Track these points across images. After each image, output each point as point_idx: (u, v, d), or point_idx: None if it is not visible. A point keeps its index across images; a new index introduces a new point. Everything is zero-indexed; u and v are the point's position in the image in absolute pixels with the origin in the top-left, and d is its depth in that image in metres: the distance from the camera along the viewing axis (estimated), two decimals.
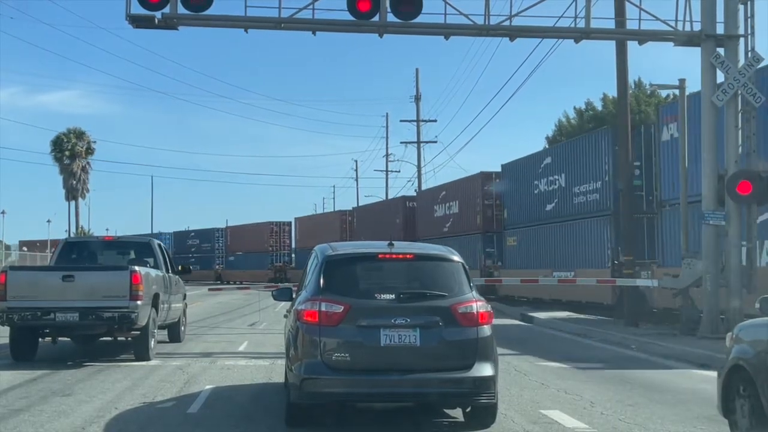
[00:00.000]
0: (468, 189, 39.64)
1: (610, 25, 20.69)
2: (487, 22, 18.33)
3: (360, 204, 69.43)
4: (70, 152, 62.38)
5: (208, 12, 17.46)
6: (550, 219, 30.92)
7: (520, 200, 34.17)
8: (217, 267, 76.09)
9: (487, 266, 36.78)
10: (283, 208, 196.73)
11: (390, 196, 66.19)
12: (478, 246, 37.34)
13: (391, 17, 17.57)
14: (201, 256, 78.80)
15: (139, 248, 18.61)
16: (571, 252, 28.66)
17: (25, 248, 74.98)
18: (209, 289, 41.27)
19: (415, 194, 51.62)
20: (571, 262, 28.47)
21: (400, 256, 9.50)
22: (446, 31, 18.54)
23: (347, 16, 17.62)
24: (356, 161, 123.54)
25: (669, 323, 21.14)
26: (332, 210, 74.85)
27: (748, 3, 18.47)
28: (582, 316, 26.23)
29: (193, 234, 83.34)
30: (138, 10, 17.26)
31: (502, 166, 37.00)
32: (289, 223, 72.78)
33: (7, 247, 73.74)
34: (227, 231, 78.72)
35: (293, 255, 70.20)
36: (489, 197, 37.27)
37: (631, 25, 19.86)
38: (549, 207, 30.98)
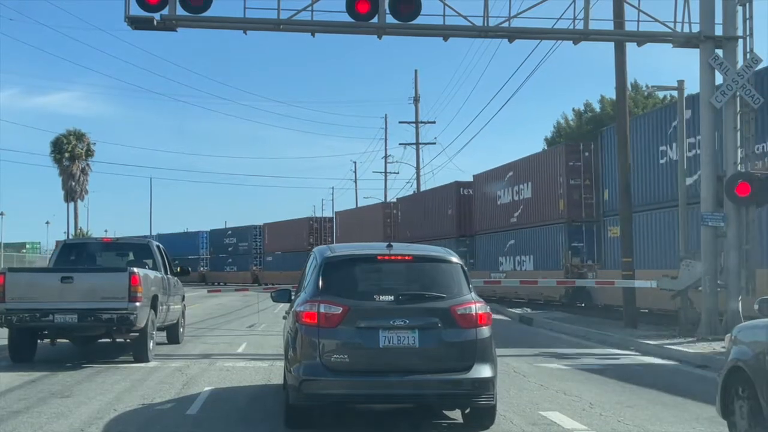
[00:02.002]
0: (546, 166, 31.23)
1: (609, 26, 20.66)
2: (486, 24, 18.31)
3: (403, 195, 61.10)
4: (70, 154, 62.34)
5: (206, 13, 17.42)
6: (687, 199, 21.01)
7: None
8: (253, 268, 70.93)
9: (575, 266, 28.29)
10: (284, 209, 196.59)
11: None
12: (561, 239, 29.56)
13: (390, 19, 17.55)
14: (238, 256, 74.37)
15: (137, 250, 18.60)
16: None
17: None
18: (208, 291, 41.34)
19: (471, 179, 42.09)
20: None
21: (399, 257, 9.51)
22: (445, 32, 18.52)
23: (346, 18, 17.60)
24: (355, 163, 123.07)
25: (668, 324, 21.13)
26: (376, 202, 66.98)
27: (747, 4, 18.47)
28: None
29: (230, 232, 77.93)
30: (137, 11, 17.23)
31: (601, 132, 28.41)
32: (331, 219, 68.21)
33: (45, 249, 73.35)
34: (264, 228, 72.83)
35: None
36: (576, 175, 29.33)
37: (630, 26, 19.82)
38: (689, 181, 21.49)
